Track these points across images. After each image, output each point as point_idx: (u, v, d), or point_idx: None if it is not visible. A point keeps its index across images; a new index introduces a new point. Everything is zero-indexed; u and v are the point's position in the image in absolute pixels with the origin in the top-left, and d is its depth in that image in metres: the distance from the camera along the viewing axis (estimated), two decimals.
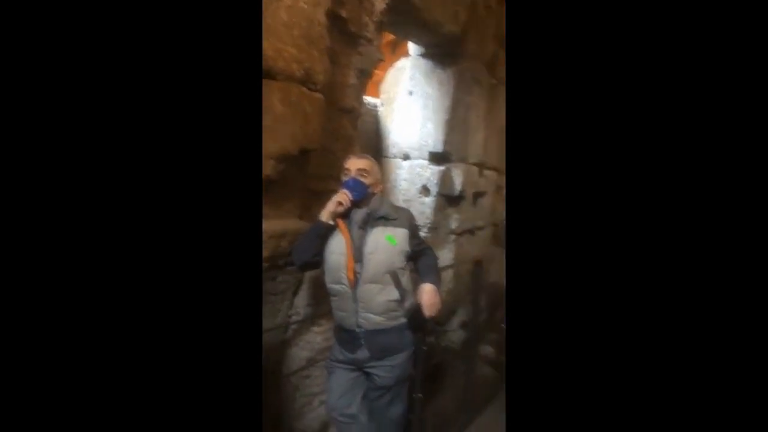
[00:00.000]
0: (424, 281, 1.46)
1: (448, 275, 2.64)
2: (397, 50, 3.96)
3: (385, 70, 2.84)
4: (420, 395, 1.67)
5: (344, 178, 1.45)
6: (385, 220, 1.45)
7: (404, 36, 2.32)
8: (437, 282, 1.48)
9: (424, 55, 2.50)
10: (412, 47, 2.54)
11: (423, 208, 2.59)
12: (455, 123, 2.47)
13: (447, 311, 2.79)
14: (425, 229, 2.58)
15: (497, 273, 3.02)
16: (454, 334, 2.79)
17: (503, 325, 2.68)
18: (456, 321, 2.83)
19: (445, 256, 2.60)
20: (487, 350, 2.79)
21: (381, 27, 1.81)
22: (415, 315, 1.46)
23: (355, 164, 1.45)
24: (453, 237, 2.68)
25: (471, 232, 2.91)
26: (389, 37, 3.69)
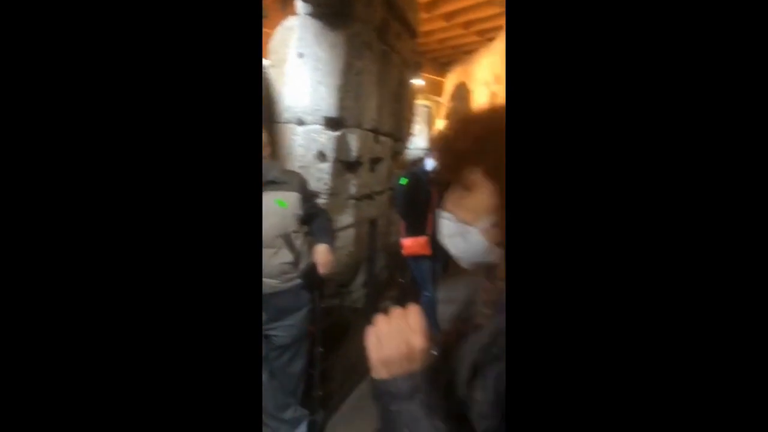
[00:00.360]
0: (317, 242, 1.51)
1: (349, 238, 2.73)
2: (287, 8, 3.75)
3: (272, 28, 2.69)
4: (321, 350, 1.76)
5: None
6: (273, 184, 1.44)
7: None
8: (331, 242, 1.53)
9: (313, 15, 2.42)
10: (300, 5, 2.43)
11: (320, 174, 2.59)
12: (348, 88, 2.48)
13: (349, 273, 2.90)
14: (324, 195, 2.60)
15: (395, 234, 3.21)
16: (357, 293, 2.92)
17: (401, 280, 2.89)
18: (358, 281, 2.97)
19: (346, 220, 2.67)
20: (386, 305, 2.99)
21: None
22: (310, 275, 1.51)
23: None
24: (352, 202, 2.75)
25: (370, 197, 3.01)
26: None
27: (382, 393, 0.41)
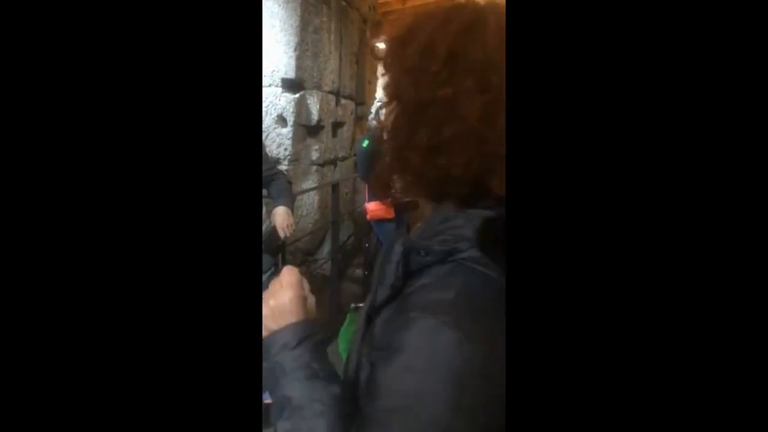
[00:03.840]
0: (276, 205, 1.47)
1: (313, 205, 2.70)
2: None
3: None
4: None
5: None
6: None
7: None
8: (290, 204, 1.50)
9: None
10: None
11: (281, 140, 2.51)
12: (306, 47, 2.36)
13: (315, 241, 2.88)
14: (286, 162, 2.53)
15: (360, 201, 3.20)
16: (324, 261, 2.93)
17: (366, 245, 2.92)
18: (325, 249, 2.96)
19: (308, 186, 2.62)
20: (354, 272, 3.03)
21: None
22: (270, 239, 1.49)
23: None
24: (315, 168, 2.70)
25: (333, 162, 2.96)
26: None
27: (266, 348, 0.40)
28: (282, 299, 0.41)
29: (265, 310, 0.41)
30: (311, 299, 0.44)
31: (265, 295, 0.42)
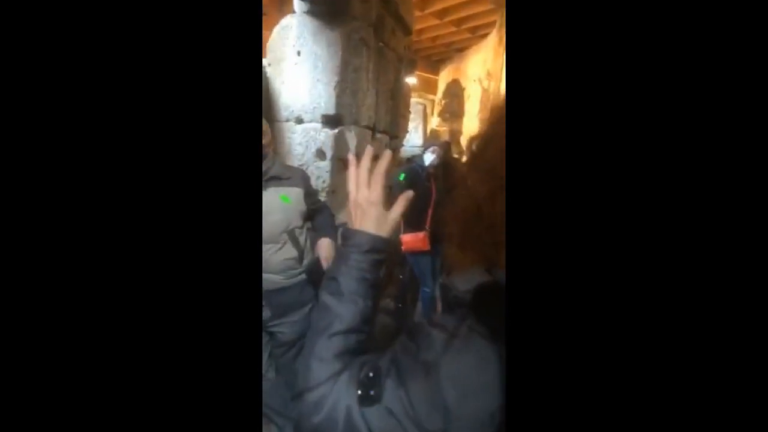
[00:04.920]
0: (320, 236, 1.51)
1: None
2: (285, 6, 3.74)
3: (270, 28, 2.68)
4: None
5: None
6: (277, 179, 1.44)
7: None
8: (334, 236, 1.54)
9: (310, 13, 2.42)
10: (297, 4, 2.44)
11: (320, 173, 2.60)
12: (346, 85, 2.48)
13: None
14: (324, 193, 2.61)
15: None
16: None
17: (401, 276, 2.91)
18: None
19: (345, 217, 2.68)
20: (386, 302, 3.00)
21: None
22: (314, 270, 1.52)
23: None
24: None
25: None
26: None
27: (343, 236, 0.52)
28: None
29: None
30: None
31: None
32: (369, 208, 0.50)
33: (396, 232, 0.47)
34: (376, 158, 0.52)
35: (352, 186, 0.52)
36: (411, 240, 2.50)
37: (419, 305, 2.79)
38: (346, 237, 0.50)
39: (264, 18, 1.76)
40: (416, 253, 2.56)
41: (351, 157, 0.54)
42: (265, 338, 1.54)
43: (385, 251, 0.49)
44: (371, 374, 0.40)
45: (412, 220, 2.51)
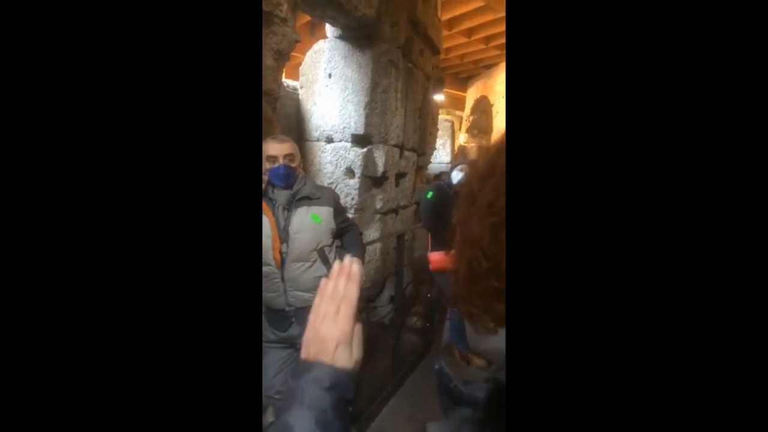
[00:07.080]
0: (349, 254, 1.53)
1: (375, 252, 2.76)
2: (316, 32, 3.90)
3: (303, 52, 2.80)
4: None
5: (271, 165, 1.44)
6: (308, 199, 1.48)
7: (320, 17, 2.32)
8: (362, 255, 1.56)
9: (341, 38, 2.52)
10: (329, 29, 2.54)
11: (348, 190, 2.65)
12: (375, 105, 2.54)
13: (376, 288, 2.91)
14: (352, 210, 2.65)
15: (420, 248, 3.22)
16: (384, 309, 2.93)
17: (429, 295, 2.88)
18: (385, 296, 2.98)
19: (373, 234, 2.70)
20: (413, 321, 2.98)
21: (295, 6, 1.80)
22: None
23: (279, 150, 1.44)
24: (379, 216, 2.79)
25: (395, 211, 3.05)
26: (305, 18, 3.63)
27: (301, 367, 0.41)
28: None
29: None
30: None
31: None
32: (330, 342, 0.41)
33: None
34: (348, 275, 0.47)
35: (316, 314, 0.44)
36: (439, 259, 2.48)
37: (447, 325, 2.75)
38: (303, 369, 0.40)
39: (297, 44, 1.85)
40: (445, 273, 2.54)
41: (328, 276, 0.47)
42: (294, 355, 1.56)
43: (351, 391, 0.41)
44: None
45: (440, 237, 2.50)
